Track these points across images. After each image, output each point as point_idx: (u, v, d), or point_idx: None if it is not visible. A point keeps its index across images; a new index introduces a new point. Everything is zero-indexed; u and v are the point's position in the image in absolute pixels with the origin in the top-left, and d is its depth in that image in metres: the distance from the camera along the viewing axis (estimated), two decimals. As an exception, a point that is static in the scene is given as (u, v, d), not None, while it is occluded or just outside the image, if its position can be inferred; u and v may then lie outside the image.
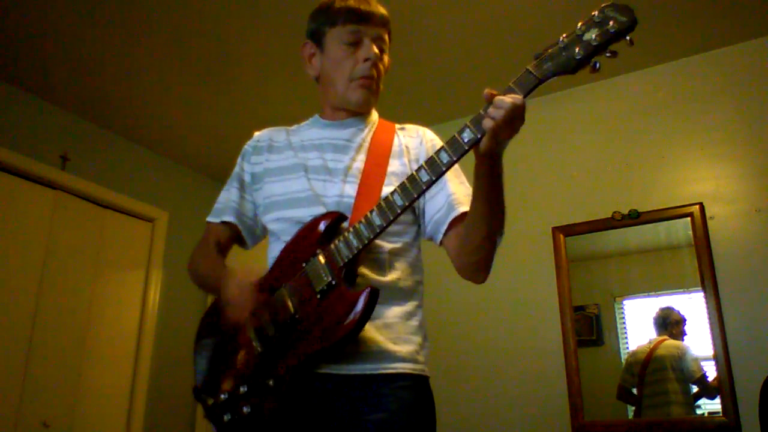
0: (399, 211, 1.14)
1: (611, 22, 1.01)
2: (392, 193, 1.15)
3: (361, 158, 1.34)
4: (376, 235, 1.16)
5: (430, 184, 1.12)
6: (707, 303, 2.75)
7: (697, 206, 2.88)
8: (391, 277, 1.25)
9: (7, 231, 3.23)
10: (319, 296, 1.17)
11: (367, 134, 1.39)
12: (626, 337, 3.08)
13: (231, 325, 1.23)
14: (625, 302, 3.13)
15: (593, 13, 1.03)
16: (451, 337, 3.22)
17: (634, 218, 3.00)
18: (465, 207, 1.29)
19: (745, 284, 2.72)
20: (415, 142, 1.39)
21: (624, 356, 3.06)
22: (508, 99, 1.03)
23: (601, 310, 3.12)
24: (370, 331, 1.17)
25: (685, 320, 2.94)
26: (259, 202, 1.40)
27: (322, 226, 1.22)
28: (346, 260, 1.16)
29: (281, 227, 1.32)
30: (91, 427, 3.45)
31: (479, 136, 1.06)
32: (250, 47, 3.07)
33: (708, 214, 2.86)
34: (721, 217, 2.85)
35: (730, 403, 2.60)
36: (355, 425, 1.15)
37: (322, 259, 1.19)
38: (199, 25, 2.91)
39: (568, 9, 2.72)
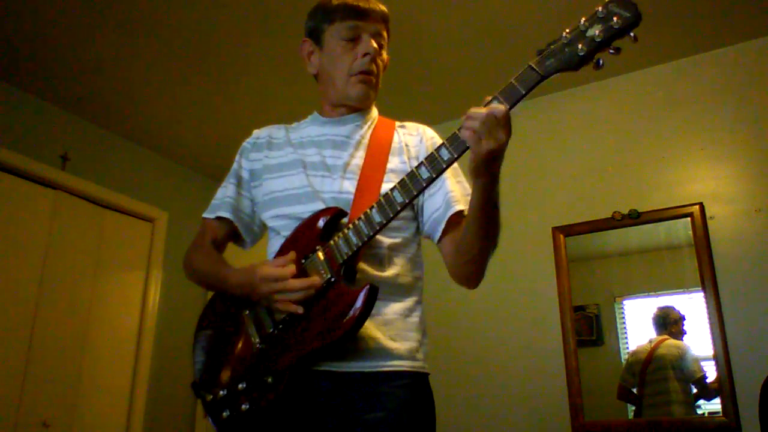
0: (399, 208, 1.14)
1: (615, 18, 1.00)
2: (392, 190, 1.14)
3: (360, 155, 1.34)
4: (376, 232, 1.16)
5: (431, 181, 1.12)
6: (707, 303, 2.75)
7: (697, 206, 2.88)
8: (390, 272, 1.25)
9: (7, 231, 3.23)
10: (318, 293, 1.17)
11: (366, 131, 1.39)
12: (626, 337, 3.08)
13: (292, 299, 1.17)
14: (625, 302, 3.13)
15: (597, 9, 1.02)
16: (451, 336, 3.22)
17: (634, 218, 3.00)
18: (461, 206, 1.29)
19: (745, 284, 2.72)
20: (414, 140, 1.39)
21: (624, 356, 3.06)
22: (483, 109, 1.03)
23: (601, 310, 3.12)
24: (369, 327, 1.17)
25: (684, 318, 2.93)
26: (258, 199, 1.40)
27: (321, 223, 1.22)
28: (346, 257, 1.16)
29: (280, 224, 1.32)
30: (91, 427, 3.45)
31: None
32: (251, 48, 3.07)
33: (708, 214, 2.86)
34: (721, 217, 2.85)
35: (730, 403, 2.60)
36: (353, 423, 1.15)
37: (321, 255, 1.19)
38: (199, 25, 2.91)
39: (569, 8, 2.72)
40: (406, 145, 1.37)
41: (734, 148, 2.91)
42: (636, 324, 3.07)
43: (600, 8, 1.02)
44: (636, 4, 1.00)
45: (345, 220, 1.23)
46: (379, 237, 1.23)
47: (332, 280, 1.16)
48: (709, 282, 2.76)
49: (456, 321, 3.26)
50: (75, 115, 3.64)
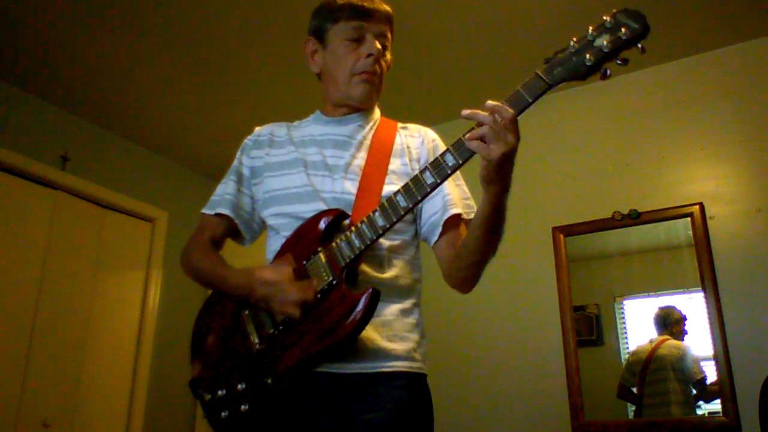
0: (402, 212, 1.14)
1: (623, 29, 0.99)
2: (395, 195, 1.14)
3: (362, 155, 1.33)
4: (379, 236, 1.15)
5: (435, 186, 1.11)
6: (707, 303, 2.75)
7: (697, 206, 2.88)
8: (389, 274, 1.25)
9: (7, 231, 3.22)
10: (319, 295, 1.17)
11: (368, 131, 1.39)
12: (626, 337, 3.08)
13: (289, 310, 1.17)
14: (625, 302, 3.13)
15: (605, 19, 1.01)
16: (450, 336, 3.22)
17: (634, 218, 3.00)
18: (458, 209, 1.29)
19: (745, 284, 2.72)
20: (416, 141, 1.39)
21: (624, 356, 3.06)
22: (488, 114, 1.02)
23: (601, 310, 3.12)
24: (368, 329, 1.16)
25: (685, 319, 2.93)
26: (258, 196, 1.40)
27: (322, 224, 1.22)
28: (348, 260, 1.16)
29: (280, 222, 1.32)
30: (91, 427, 3.45)
31: None
32: (250, 48, 3.07)
33: (708, 214, 2.86)
34: (721, 217, 2.85)
35: (730, 403, 2.60)
36: (352, 424, 1.15)
37: (323, 257, 1.19)
38: (200, 25, 2.91)
39: (572, 10, 2.72)
40: (408, 147, 1.37)
41: (734, 148, 2.91)
42: (636, 324, 3.07)
43: (608, 18, 1.01)
44: (644, 15, 0.99)
45: (347, 221, 1.23)
46: (379, 240, 1.23)
47: (334, 282, 1.16)
48: (709, 282, 2.76)
49: (456, 321, 3.26)
50: (75, 115, 3.64)
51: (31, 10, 2.79)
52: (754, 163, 2.85)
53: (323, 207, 1.26)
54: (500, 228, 1.17)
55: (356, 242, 1.16)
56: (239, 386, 1.21)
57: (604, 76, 1.03)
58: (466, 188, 1.37)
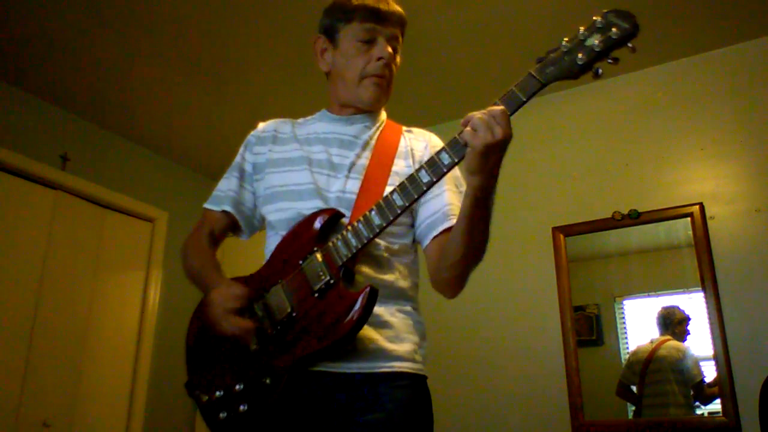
0: (399, 211, 1.13)
1: (613, 29, 1.00)
2: (392, 193, 1.14)
3: (366, 155, 1.33)
4: (375, 235, 1.15)
5: (431, 184, 1.11)
6: (707, 303, 2.75)
7: (697, 206, 2.88)
8: (389, 276, 1.25)
9: (7, 231, 3.23)
10: (317, 295, 1.16)
11: (374, 132, 1.39)
12: (626, 337, 3.08)
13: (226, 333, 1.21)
14: (625, 302, 3.13)
15: (595, 19, 1.02)
16: (450, 336, 3.22)
17: (634, 218, 3.00)
18: (456, 220, 1.29)
19: (745, 284, 2.72)
20: (421, 145, 1.39)
21: (624, 356, 3.06)
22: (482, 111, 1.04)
23: (601, 310, 3.12)
24: (368, 329, 1.16)
25: (689, 319, 2.92)
26: (260, 192, 1.39)
27: (318, 224, 1.22)
28: (345, 259, 1.16)
29: (280, 219, 1.32)
30: (91, 427, 3.45)
31: None
32: (251, 48, 3.07)
33: (708, 214, 2.86)
34: (721, 217, 2.85)
35: (730, 403, 2.60)
36: (351, 424, 1.14)
37: (319, 257, 1.18)
38: (200, 25, 2.91)
39: (569, 10, 2.72)
40: (412, 150, 1.37)
41: (734, 148, 2.91)
42: (636, 324, 3.07)
43: (599, 18, 1.02)
44: (634, 15, 1.00)
45: (345, 220, 1.23)
46: (378, 241, 1.23)
47: (331, 282, 1.16)
48: (709, 282, 2.76)
49: (456, 321, 3.26)
50: (75, 115, 3.64)
51: (31, 10, 2.79)
52: (754, 163, 2.85)
53: (323, 205, 1.26)
54: (482, 227, 1.16)
55: (353, 241, 1.16)
56: (237, 386, 1.20)
57: (596, 75, 1.04)
58: None
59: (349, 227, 1.17)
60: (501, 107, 1.04)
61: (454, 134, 1.09)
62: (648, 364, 2.95)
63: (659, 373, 2.93)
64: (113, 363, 3.66)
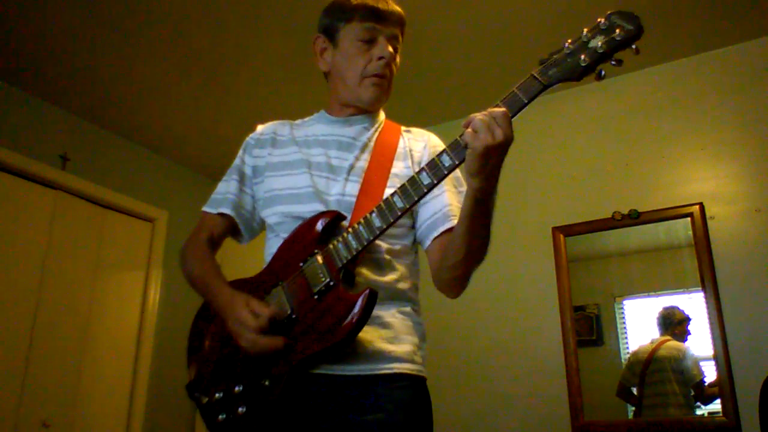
0: (399, 213, 1.13)
1: (617, 30, 1.00)
2: (392, 195, 1.14)
3: (365, 157, 1.33)
4: (376, 237, 1.15)
5: (432, 186, 1.11)
6: (707, 303, 2.75)
7: (697, 206, 2.88)
8: (389, 278, 1.25)
9: (7, 231, 3.23)
10: (316, 297, 1.16)
11: (373, 134, 1.38)
12: (626, 337, 3.08)
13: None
14: (625, 302, 3.13)
15: (599, 20, 1.02)
16: (450, 337, 3.22)
17: (634, 218, 3.00)
18: (457, 220, 1.28)
19: (745, 284, 2.72)
20: (419, 145, 1.38)
21: (624, 356, 3.06)
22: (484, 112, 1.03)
23: (601, 310, 3.12)
24: (367, 331, 1.16)
25: (689, 319, 2.92)
26: (259, 195, 1.39)
27: (319, 226, 1.22)
28: (345, 261, 1.16)
29: (280, 222, 1.31)
30: (91, 427, 3.45)
31: None
32: (250, 48, 3.07)
33: (708, 214, 2.86)
34: (721, 217, 2.85)
35: (730, 403, 2.60)
36: (350, 426, 1.14)
37: (320, 259, 1.18)
38: (200, 25, 2.91)
39: (570, 10, 2.72)
40: (411, 150, 1.37)
41: (734, 148, 2.91)
42: (636, 324, 3.07)
43: (602, 20, 1.02)
44: (638, 17, 1.00)
45: (345, 223, 1.23)
46: (379, 243, 1.23)
47: (331, 284, 1.16)
48: (709, 282, 2.76)
49: (456, 321, 3.26)
50: (75, 115, 3.64)
51: (31, 11, 2.79)
52: (754, 163, 2.85)
53: (323, 208, 1.26)
54: (483, 228, 1.16)
55: (353, 243, 1.16)
56: (236, 388, 1.20)
57: (599, 77, 1.03)
58: None
59: (350, 229, 1.17)
60: (502, 109, 1.03)
61: (455, 135, 1.08)
62: (648, 364, 2.95)
63: (659, 374, 2.93)
64: (113, 363, 3.66)
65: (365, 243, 1.15)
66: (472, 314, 3.25)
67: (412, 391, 1.20)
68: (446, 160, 1.09)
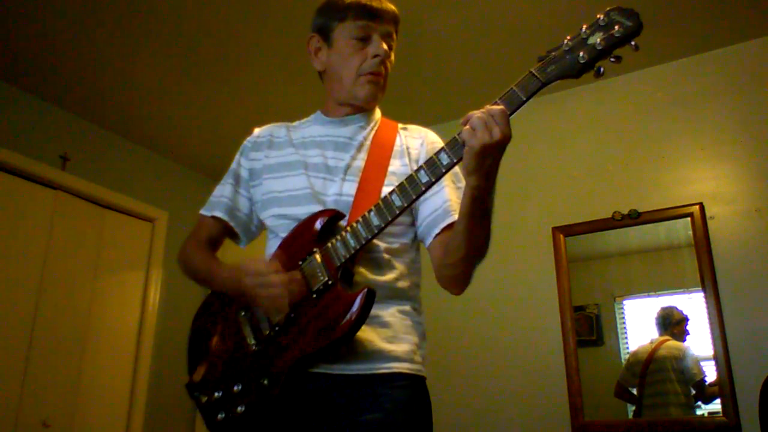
0: (397, 211, 1.13)
1: (617, 27, 0.99)
2: (391, 194, 1.14)
3: (362, 157, 1.33)
4: (374, 236, 1.15)
5: (430, 185, 1.11)
6: (707, 303, 2.75)
7: (697, 206, 2.88)
8: (389, 277, 1.25)
9: (7, 231, 3.23)
10: (315, 296, 1.16)
11: (369, 132, 1.38)
12: (626, 337, 3.08)
13: (272, 309, 1.18)
14: (625, 302, 3.13)
15: (598, 17, 1.01)
16: (451, 336, 3.22)
17: (634, 218, 3.00)
18: (457, 215, 1.28)
19: (745, 284, 2.72)
20: (416, 142, 1.38)
21: (624, 356, 3.06)
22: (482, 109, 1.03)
23: (601, 310, 3.12)
24: (367, 330, 1.16)
25: (687, 319, 2.93)
26: (257, 198, 1.39)
27: (318, 225, 1.22)
28: (343, 260, 1.16)
29: (279, 224, 1.32)
30: (91, 427, 3.45)
31: None
32: (250, 47, 3.07)
33: (708, 214, 2.86)
34: (721, 217, 2.85)
35: (730, 403, 2.60)
36: (349, 425, 1.14)
37: (318, 258, 1.18)
38: (200, 25, 2.91)
39: (570, 9, 2.72)
40: (408, 148, 1.36)
41: (734, 148, 2.91)
42: (636, 324, 3.07)
43: (601, 16, 1.01)
44: (637, 13, 0.99)
45: (343, 222, 1.23)
46: (377, 242, 1.23)
47: (330, 282, 1.16)
48: (709, 282, 2.76)
49: (456, 321, 3.26)
50: (75, 115, 3.64)
51: (31, 10, 2.79)
52: (754, 163, 2.85)
53: (320, 209, 1.26)
54: (483, 226, 1.15)
55: (351, 242, 1.16)
56: (235, 388, 1.20)
57: (598, 74, 1.03)
58: None
59: (348, 228, 1.17)
60: (500, 107, 1.03)
61: (454, 134, 1.08)
62: (648, 364, 2.95)
63: (659, 373, 2.93)
64: (113, 363, 3.66)
65: (364, 242, 1.15)
66: (472, 314, 3.25)
67: (411, 391, 1.20)
68: (444, 159, 1.09)
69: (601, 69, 1.02)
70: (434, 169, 1.10)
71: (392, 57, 1.39)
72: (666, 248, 3.09)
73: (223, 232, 1.44)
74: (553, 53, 1.04)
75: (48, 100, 3.49)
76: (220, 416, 1.21)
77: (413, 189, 1.12)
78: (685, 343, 2.95)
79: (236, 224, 1.42)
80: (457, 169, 1.30)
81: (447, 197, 1.30)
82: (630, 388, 2.98)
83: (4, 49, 3.05)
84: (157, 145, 4.05)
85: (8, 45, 3.03)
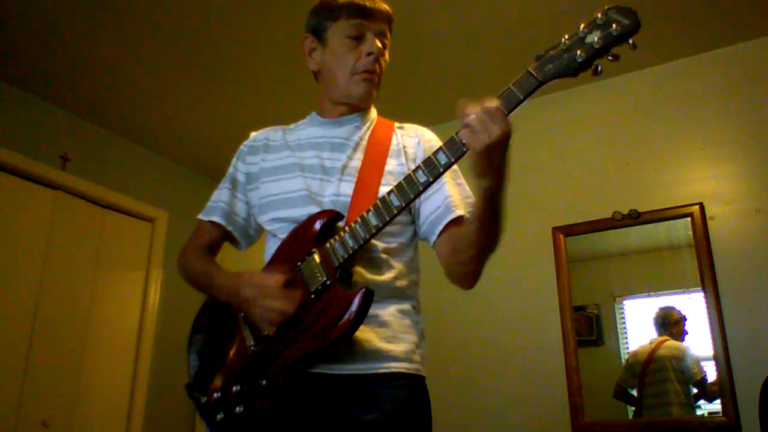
0: (395, 211, 1.13)
1: (614, 25, 0.99)
2: (389, 194, 1.14)
3: (359, 157, 1.33)
4: (372, 236, 1.15)
5: (428, 185, 1.11)
6: (707, 303, 2.75)
7: (697, 206, 2.88)
8: (387, 276, 1.25)
9: (7, 231, 3.23)
10: (313, 296, 1.16)
11: (365, 132, 1.38)
12: (626, 337, 3.08)
13: (274, 321, 1.18)
14: (625, 302, 3.13)
15: (596, 15, 1.01)
16: (450, 337, 3.22)
17: (634, 218, 3.00)
18: (461, 211, 1.28)
19: (745, 284, 2.72)
20: (413, 141, 1.38)
21: (624, 356, 3.06)
22: (477, 106, 1.02)
23: (601, 310, 3.12)
24: (365, 330, 1.16)
25: (685, 319, 2.93)
26: (255, 202, 1.40)
27: (317, 225, 1.22)
28: (342, 260, 1.16)
29: (277, 227, 1.32)
30: (91, 427, 3.45)
31: None
32: (250, 48, 3.07)
33: (708, 214, 2.86)
34: (721, 217, 2.85)
35: (730, 403, 2.60)
36: (348, 425, 1.14)
37: (317, 258, 1.18)
38: (200, 25, 2.91)
39: (569, 9, 2.72)
40: (404, 147, 1.36)
41: (734, 148, 2.91)
42: (636, 324, 3.07)
43: (599, 15, 1.01)
44: (635, 12, 0.99)
45: (341, 223, 1.23)
46: (375, 241, 1.23)
47: (328, 282, 1.16)
48: (709, 282, 2.76)
49: (455, 321, 3.26)
50: (75, 115, 3.64)
51: (31, 10, 2.79)
52: (754, 163, 2.85)
53: (318, 210, 1.26)
54: (496, 224, 1.15)
55: (350, 242, 1.16)
56: (234, 388, 1.21)
57: (596, 73, 1.02)
58: (467, 187, 1.35)
59: (346, 228, 1.17)
60: (495, 103, 1.02)
61: (452, 134, 1.08)
62: (648, 364, 2.95)
63: (659, 373, 2.93)
64: (113, 363, 3.66)
65: (362, 242, 1.15)
66: (472, 314, 3.26)
67: (410, 391, 1.20)
68: (442, 158, 1.09)
69: (599, 67, 1.02)
70: (432, 169, 1.10)
71: (386, 56, 1.39)
72: (666, 248, 3.09)
73: (222, 236, 1.44)
74: (551, 52, 1.04)
75: (48, 100, 3.49)
76: (219, 417, 1.21)
77: (411, 189, 1.12)
78: (685, 343, 2.95)
79: (234, 229, 1.42)
80: (456, 165, 1.31)
81: (448, 193, 1.30)
82: (629, 389, 2.98)
83: (4, 49, 3.06)
84: (157, 145, 4.05)
85: (8, 45, 3.03)
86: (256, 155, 1.42)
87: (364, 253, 1.22)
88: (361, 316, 1.11)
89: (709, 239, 2.82)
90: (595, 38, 1.00)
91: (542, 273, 3.15)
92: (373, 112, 1.45)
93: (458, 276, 1.27)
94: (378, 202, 1.15)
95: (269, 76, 3.30)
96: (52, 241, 3.43)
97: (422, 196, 1.28)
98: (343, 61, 1.34)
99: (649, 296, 3.12)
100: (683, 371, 2.90)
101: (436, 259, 1.37)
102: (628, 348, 3.07)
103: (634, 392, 2.96)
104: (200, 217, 1.45)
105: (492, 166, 1.03)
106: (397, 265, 1.28)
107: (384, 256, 1.26)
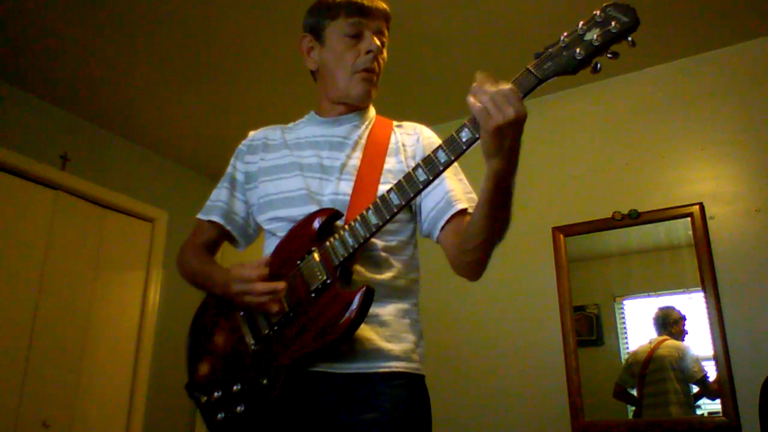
0: (395, 210, 1.13)
1: (613, 23, 0.99)
2: (388, 192, 1.14)
3: (357, 155, 1.33)
4: (372, 234, 1.15)
5: (427, 183, 1.11)
6: (707, 303, 2.75)
7: (697, 206, 2.88)
8: (386, 275, 1.25)
9: (7, 231, 3.23)
10: (313, 295, 1.16)
11: (363, 131, 1.38)
12: (626, 337, 3.08)
13: (255, 306, 1.19)
14: (625, 302, 3.13)
15: (595, 13, 1.01)
16: (450, 336, 3.22)
17: (634, 218, 3.00)
18: (463, 204, 1.28)
19: (745, 284, 2.72)
20: (411, 139, 1.38)
21: (624, 356, 3.06)
22: (491, 87, 1.00)
23: (601, 310, 3.12)
24: (365, 329, 1.16)
25: (684, 318, 2.93)
26: (254, 201, 1.40)
27: (316, 224, 1.22)
28: (342, 258, 1.16)
29: (276, 226, 1.32)
30: (91, 427, 3.45)
31: (477, 135, 1.04)
32: (250, 48, 3.07)
33: (708, 214, 2.86)
34: (721, 217, 2.85)
35: (730, 403, 2.60)
36: (349, 424, 1.14)
37: (317, 257, 1.18)
38: (199, 26, 2.91)
39: (569, 8, 2.72)
40: (403, 145, 1.36)
41: (734, 148, 2.91)
42: (636, 324, 3.07)
43: (598, 12, 1.01)
44: (634, 9, 0.99)
45: (340, 221, 1.23)
46: (375, 240, 1.23)
47: (328, 281, 1.16)
48: (709, 282, 2.76)
49: (456, 321, 3.26)
50: (75, 115, 3.64)
51: (31, 10, 2.79)
52: (754, 163, 2.85)
53: (318, 209, 1.26)
54: (504, 208, 1.14)
55: (350, 241, 1.16)
56: (235, 387, 1.21)
57: (595, 70, 1.02)
58: (467, 183, 1.35)
59: (346, 227, 1.17)
60: (509, 85, 1.01)
61: (451, 132, 1.08)
62: (647, 364, 2.95)
63: (659, 372, 2.92)
64: (113, 363, 3.66)
65: (362, 240, 1.15)
66: (471, 313, 3.26)
67: (409, 390, 1.20)
68: (442, 157, 1.09)
69: (598, 65, 1.02)
70: (432, 167, 1.10)
71: (385, 54, 1.39)
72: (666, 248, 3.09)
73: (221, 236, 1.44)
74: (550, 50, 1.04)
75: (48, 100, 3.49)
76: (219, 416, 1.21)
77: (411, 187, 1.12)
78: (684, 342, 2.95)
79: (233, 228, 1.43)
80: (456, 163, 1.31)
81: (448, 188, 1.29)
82: (629, 389, 2.98)
83: (5, 49, 3.06)
84: (157, 145, 4.05)
85: (8, 45, 3.03)
86: (255, 154, 1.42)
87: (363, 252, 1.22)
88: (362, 315, 1.11)
89: (709, 239, 2.82)
90: (595, 36, 1.00)
91: (542, 273, 3.15)
92: (372, 111, 1.45)
93: (465, 266, 1.26)
94: (378, 200, 1.15)
95: (269, 76, 3.30)
96: (52, 241, 3.43)
97: (423, 193, 1.28)
98: (342, 60, 1.34)
99: (649, 296, 3.12)
100: (683, 371, 2.90)
101: (435, 258, 1.37)
102: (627, 348, 3.07)
103: (634, 392, 2.96)
104: (199, 216, 1.46)
105: (503, 146, 1.02)
106: (397, 264, 1.28)
107: (384, 254, 1.26)
